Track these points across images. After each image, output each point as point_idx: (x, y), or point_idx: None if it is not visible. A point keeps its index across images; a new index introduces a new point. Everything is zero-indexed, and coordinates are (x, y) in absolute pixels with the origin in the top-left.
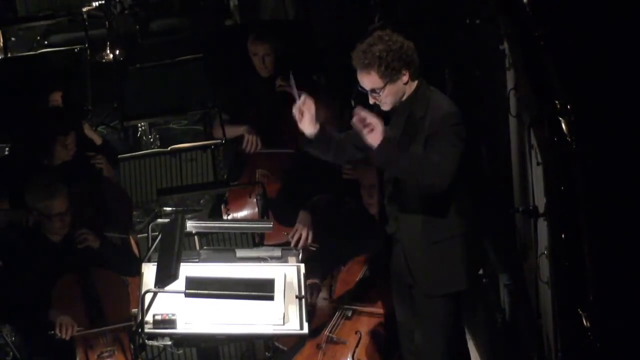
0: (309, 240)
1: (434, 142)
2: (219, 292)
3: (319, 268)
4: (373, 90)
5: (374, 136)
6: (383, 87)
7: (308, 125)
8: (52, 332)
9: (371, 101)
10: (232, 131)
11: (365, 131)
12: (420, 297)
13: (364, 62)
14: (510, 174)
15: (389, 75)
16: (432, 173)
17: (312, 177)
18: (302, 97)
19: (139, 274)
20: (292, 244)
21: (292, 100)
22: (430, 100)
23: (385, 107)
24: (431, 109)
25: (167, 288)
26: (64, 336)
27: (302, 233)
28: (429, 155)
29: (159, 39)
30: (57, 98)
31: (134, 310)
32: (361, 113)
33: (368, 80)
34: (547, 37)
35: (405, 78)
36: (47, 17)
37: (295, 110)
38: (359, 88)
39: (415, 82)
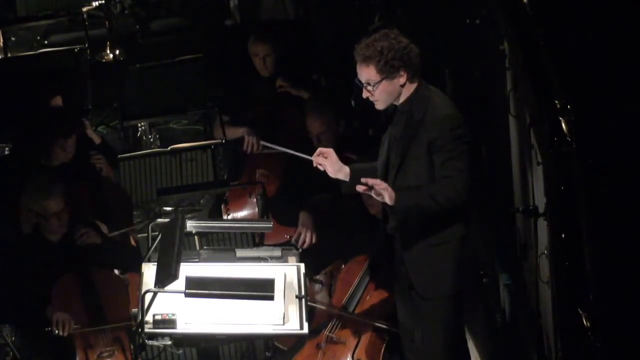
0: (314, 241)
1: (440, 157)
2: (219, 292)
3: (312, 263)
4: (368, 84)
5: (386, 198)
6: (378, 82)
7: (337, 172)
8: (49, 328)
9: (364, 95)
10: (232, 132)
11: (375, 198)
12: (419, 298)
13: (365, 54)
14: (510, 174)
15: (387, 71)
16: (450, 192)
17: (312, 176)
18: (317, 151)
19: (140, 268)
20: (298, 246)
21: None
22: (430, 102)
23: (378, 105)
24: (430, 110)
25: (167, 288)
26: (61, 333)
27: (307, 235)
28: (439, 175)
29: (159, 39)
30: (57, 102)
31: (134, 310)
32: (368, 182)
33: (366, 73)
34: (547, 37)
35: (402, 79)
36: (47, 17)
37: (316, 165)
38: (357, 81)
39: (415, 84)
